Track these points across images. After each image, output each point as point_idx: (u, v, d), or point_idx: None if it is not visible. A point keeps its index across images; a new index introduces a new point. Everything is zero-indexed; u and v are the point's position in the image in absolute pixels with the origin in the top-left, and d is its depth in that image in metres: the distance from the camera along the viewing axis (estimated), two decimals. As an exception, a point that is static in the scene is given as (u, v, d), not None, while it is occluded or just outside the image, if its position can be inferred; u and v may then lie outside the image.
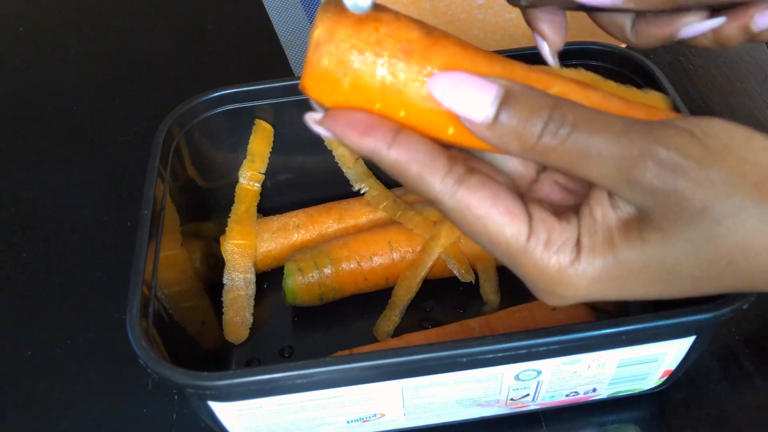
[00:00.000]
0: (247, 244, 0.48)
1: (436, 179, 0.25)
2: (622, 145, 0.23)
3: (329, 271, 0.46)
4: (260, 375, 0.32)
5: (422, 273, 0.45)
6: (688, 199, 0.23)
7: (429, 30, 0.26)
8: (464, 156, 0.27)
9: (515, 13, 0.68)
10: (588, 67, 0.45)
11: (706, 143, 0.23)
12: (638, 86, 0.44)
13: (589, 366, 0.36)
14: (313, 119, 0.26)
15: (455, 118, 0.25)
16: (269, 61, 0.67)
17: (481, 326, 0.42)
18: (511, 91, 0.24)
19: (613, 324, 0.32)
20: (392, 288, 0.47)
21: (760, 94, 0.60)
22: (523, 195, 0.27)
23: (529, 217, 0.25)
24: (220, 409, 0.35)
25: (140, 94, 0.65)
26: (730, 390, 0.42)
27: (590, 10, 0.31)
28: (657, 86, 0.43)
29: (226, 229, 0.48)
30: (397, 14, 0.26)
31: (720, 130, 0.24)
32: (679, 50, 0.64)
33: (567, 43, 0.45)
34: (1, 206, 0.57)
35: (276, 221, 0.49)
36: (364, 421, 0.38)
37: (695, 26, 0.30)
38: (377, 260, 0.46)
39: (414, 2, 0.70)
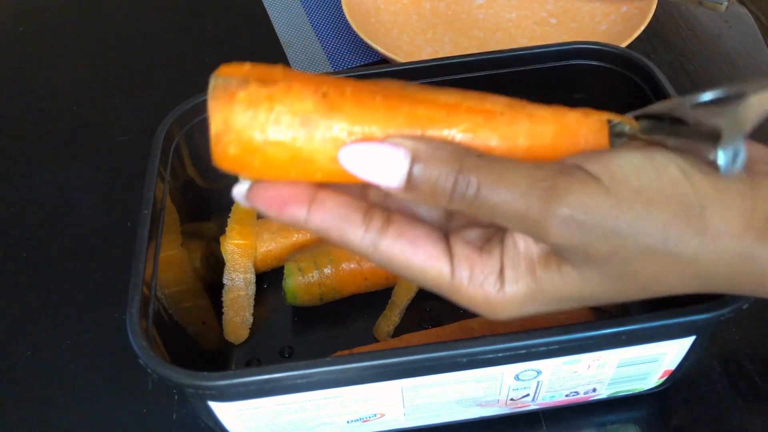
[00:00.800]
0: (247, 244, 0.48)
1: (356, 239, 0.26)
2: (526, 204, 0.24)
3: (329, 271, 0.46)
4: (260, 375, 0.32)
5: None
6: (596, 249, 0.24)
7: (324, 92, 0.26)
8: (381, 207, 0.28)
9: (515, 12, 0.68)
10: (588, 68, 0.46)
11: (614, 191, 0.24)
12: (638, 87, 0.44)
13: (589, 366, 0.36)
14: (239, 194, 0.27)
15: None
16: (269, 61, 0.66)
17: (481, 326, 0.42)
18: (418, 153, 0.25)
19: (612, 324, 0.32)
20: (392, 288, 0.47)
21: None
22: (448, 228, 0.28)
23: (451, 256, 0.26)
24: (220, 409, 0.35)
25: (140, 94, 0.65)
26: (729, 390, 0.42)
27: None
28: (657, 86, 0.43)
29: (226, 229, 0.48)
30: (288, 78, 0.26)
31: (630, 171, 0.24)
32: (680, 50, 0.64)
33: (567, 43, 0.46)
34: (1, 206, 0.57)
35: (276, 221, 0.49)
36: (364, 421, 0.38)
37: None
38: (377, 260, 0.46)
39: (414, 2, 0.70)
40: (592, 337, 0.33)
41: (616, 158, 0.25)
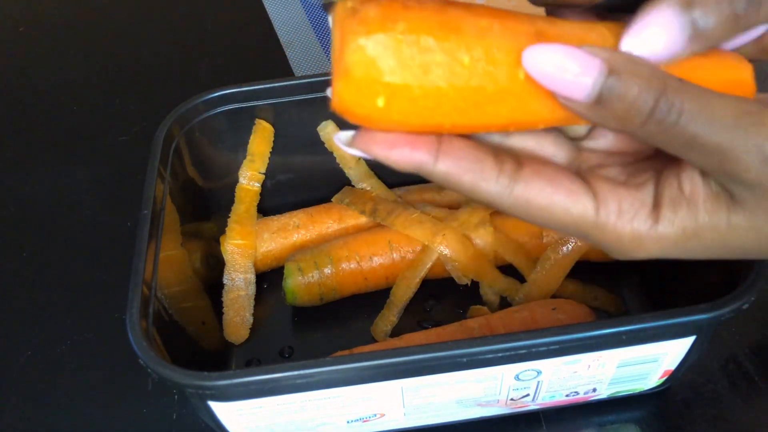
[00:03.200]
0: (247, 244, 0.48)
1: (490, 183, 0.24)
2: (730, 138, 0.22)
3: (329, 271, 0.46)
4: (260, 375, 0.32)
5: (421, 273, 0.45)
6: None
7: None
8: (509, 151, 0.26)
9: (515, 13, 0.68)
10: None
11: None
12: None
13: (589, 366, 0.36)
14: (344, 140, 0.24)
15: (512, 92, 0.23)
16: (269, 61, 0.66)
17: (480, 326, 0.42)
18: (615, 66, 0.22)
19: (612, 324, 0.32)
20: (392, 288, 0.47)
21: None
22: (580, 167, 0.26)
23: (594, 192, 0.25)
24: (220, 408, 0.35)
25: (140, 94, 0.65)
26: (730, 390, 0.42)
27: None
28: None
29: (226, 229, 0.48)
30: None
31: None
32: None
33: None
34: (1, 206, 0.57)
35: (276, 221, 0.49)
36: (364, 421, 0.38)
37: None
38: (377, 260, 0.46)
39: (414, 2, 0.69)
40: (592, 337, 0.33)
41: None
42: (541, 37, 0.23)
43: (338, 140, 0.25)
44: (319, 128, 0.49)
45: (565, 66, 0.22)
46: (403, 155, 0.23)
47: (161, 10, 0.75)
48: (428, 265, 0.45)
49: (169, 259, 0.41)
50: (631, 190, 0.25)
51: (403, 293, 0.46)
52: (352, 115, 0.23)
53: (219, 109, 0.46)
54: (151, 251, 0.38)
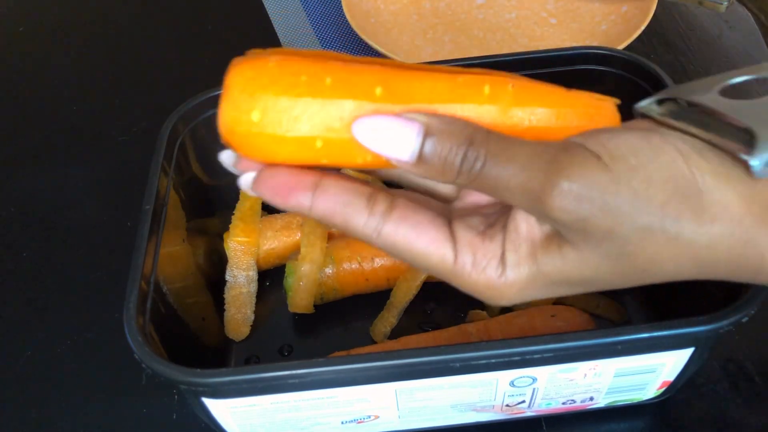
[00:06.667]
0: (250, 242, 0.48)
1: (359, 224, 0.26)
2: (527, 177, 0.24)
3: (330, 271, 0.46)
4: (252, 374, 0.32)
5: (422, 276, 0.45)
6: (595, 225, 0.24)
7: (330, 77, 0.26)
8: (385, 191, 0.28)
9: (515, 12, 0.68)
10: (595, 72, 0.45)
11: (613, 168, 0.24)
12: (647, 93, 0.44)
13: (585, 374, 0.35)
14: (246, 184, 0.28)
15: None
16: None
17: (479, 331, 0.42)
18: (430, 128, 0.25)
19: (608, 333, 0.32)
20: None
21: (760, 94, 0.59)
22: (452, 213, 0.28)
23: (454, 241, 0.27)
24: (214, 405, 0.35)
25: (140, 94, 0.65)
26: (730, 390, 0.41)
27: None
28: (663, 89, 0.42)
29: (230, 226, 0.48)
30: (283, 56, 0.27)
31: (627, 150, 0.24)
32: (680, 50, 0.64)
33: (571, 48, 0.45)
34: (1, 206, 0.57)
35: (279, 219, 0.49)
36: (359, 423, 0.38)
37: None
38: (378, 261, 0.46)
39: (414, 2, 0.69)
40: (587, 346, 0.32)
41: (615, 137, 0.25)
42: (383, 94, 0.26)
43: (242, 183, 0.28)
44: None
45: (387, 135, 0.26)
46: (284, 200, 0.27)
47: (161, 10, 0.75)
48: (429, 268, 0.45)
49: (173, 255, 0.41)
50: (486, 241, 0.27)
51: (403, 295, 0.45)
52: (235, 136, 0.27)
53: (225, 107, 0.46)
54: (151, 247, 0.38)
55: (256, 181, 0.27)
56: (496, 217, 0.28)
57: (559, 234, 0.26)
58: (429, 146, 0.25)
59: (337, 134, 0.26)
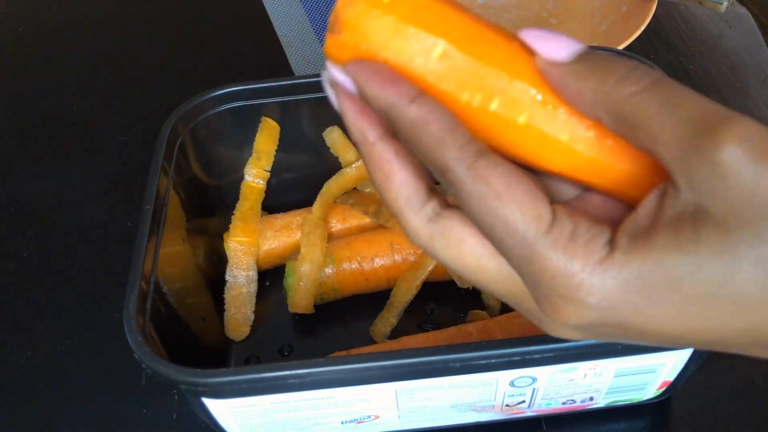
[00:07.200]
0: (250, 242, 0.48)
1: (456, 144, 0.22)
2: (705, 109, 0.19)
3: (330, 271, 0.46)
4: (252, 374, 0.32)
5: (422, 276, 0.45)
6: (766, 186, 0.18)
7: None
8: None
9: (515, 12, 0.68)
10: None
11: None
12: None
13: (585, 375, 0.35)
14: (333, 68, 0.24)
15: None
16: (269, 61, 0.67)
17: (479, 331, 0.42)
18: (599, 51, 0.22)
19: (608, 333, 0.32)
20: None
21: (760, 94, 0.60)
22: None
23: (554, 207, 0.21)
24: (214, 405, 0.35)
25: (140, 94, 0.65)
26: (732, 395, 0.41)
27: None
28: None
29: (230, 226, 0.48)
30: None
31: None
32: (680, 50, 0.64)
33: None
34: (1, 206, 0.57)
35: (279, 219, 0.49)
36: (359, 422, 0.38)
37: None
38: (379, 261, 0.46)
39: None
40: (588, 346, 0.32)
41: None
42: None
43: (328, 68, 0.24)
44: (324, 134, 0.49)
45: (553, 36, 0.22)
46: (382, 86, 0.22)
47: (161, 10, 0.75)
48: (429, 268, 0.45)
49: (173, 255, 0.41)
50: (592, 222, 0.21)
51: (403, 295, 0.46)
52: (358, 9, 0.23)
53: (225, 107, 0.46)
54: (152, 247, 0.38)
55: (353, 63, 0.23)
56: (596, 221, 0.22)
57: (696, 214, 0.19)
58: (591, 52, 0.22)
59: (459, 52, 0.23)
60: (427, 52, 0.23)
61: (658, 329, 0.20)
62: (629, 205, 0.23)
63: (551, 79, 0.22)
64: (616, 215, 0.22)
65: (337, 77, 0.24)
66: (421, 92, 0.23)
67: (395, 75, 0.23)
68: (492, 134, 0.23)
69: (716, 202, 0.19)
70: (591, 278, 0.20)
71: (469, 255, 0.23)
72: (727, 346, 0.21)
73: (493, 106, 0.23)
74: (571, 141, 0.23)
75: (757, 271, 0.19)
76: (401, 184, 0.23)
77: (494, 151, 0.23)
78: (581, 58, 0.22)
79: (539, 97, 0.23)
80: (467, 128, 0.23)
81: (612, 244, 0.20)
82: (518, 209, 0.21)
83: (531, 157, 0.24)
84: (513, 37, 0.23)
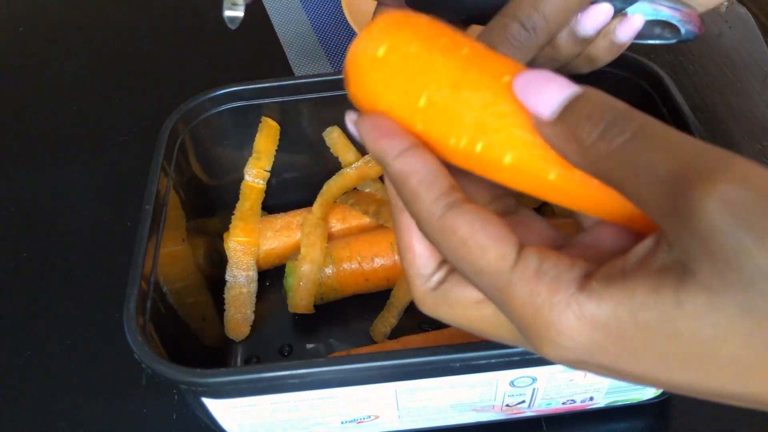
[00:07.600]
0: (250, 242, 0.48)
1: (429, 197, 0.23)
2: (684, 164, 0.19)
3: (330, 271, 0.46)
4: (252, 374, 0.32)
5: (422, 275, 0.45)
6: (753, 255, 0.17)
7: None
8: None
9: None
10: (595, 74, 0.45)
11: None
12: (648, 94, 0.44)
13: (585, 374, 0.35)
14: (351, 120, 0.26)
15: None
16: (269, 61, 0.67)
17: (479, 331, 0.42)
18: (587, 94, 0.22)
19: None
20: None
21: (760, 94, 0.60)
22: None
23: (520, 246, 0.22)
24: (214, 405, 0.35)
25: (140, 94, 0.65)
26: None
27: None
28: (666, 93, 0.42)
29: (230, 226, 0.48)
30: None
31: None
32: (680, 51, 0.64)
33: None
34: (1, 206, 0.57)
35: (279, 219, 0.49)
36: (359, 422, 0.38)
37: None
38: (379, 261, 0.46)
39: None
40: (588, 346, 0.32)
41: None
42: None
43: (348, 119, 0.26)
44: (324, 134, 0.49)
45: (540, 84, 0.23)
46: (376, 140, 0.24)
47: (162, 10, 0.75)
48: (429, 268, 0.45)
49: (173, 255, 0.41)
50: (564, 257, 0.22)
51: (403, 295, 0.46)
52: (356, 66, 0.25)
53: (225, 107, 0.46)
54: (152, 246, 0.38)
55: (358, 118, 0.25)
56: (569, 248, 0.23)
57: (679, 271, 0.19)
58: (573, 106, 0.21)
59: (443, 98, 0.24)
60: (414, 103, 0.24)
61: (642, 375, 0.20)
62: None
63: (542, 136, 0.23)
64: (628, 248, 0.22)
65: (351, 131, 0.26)
66: (409, 147, 0.24)
67: (390, 129, 0.25)
68: (484, 173, 0.24)
69: (701, 265, 0.18)
70: (554, 314, 0.20)
71: (470, 309, 0.24)
72: (726, 399, 0.20)
73: (478, 148, 0.24)
74: (558, 179, 0.23)
75: (746, 337, 0.18)
76: (416, 257, 0.25)
77: (494, 184, 0.24)
78: (563, 115, 0.22)
79: (524, 137, 0.23)
80: (462, 167, 0.24)
81: (584, 281, 0.20)
82: (482, 253, 0.22)
83: (527, 191, 0.24)
84: (505, 68, 0.24)
